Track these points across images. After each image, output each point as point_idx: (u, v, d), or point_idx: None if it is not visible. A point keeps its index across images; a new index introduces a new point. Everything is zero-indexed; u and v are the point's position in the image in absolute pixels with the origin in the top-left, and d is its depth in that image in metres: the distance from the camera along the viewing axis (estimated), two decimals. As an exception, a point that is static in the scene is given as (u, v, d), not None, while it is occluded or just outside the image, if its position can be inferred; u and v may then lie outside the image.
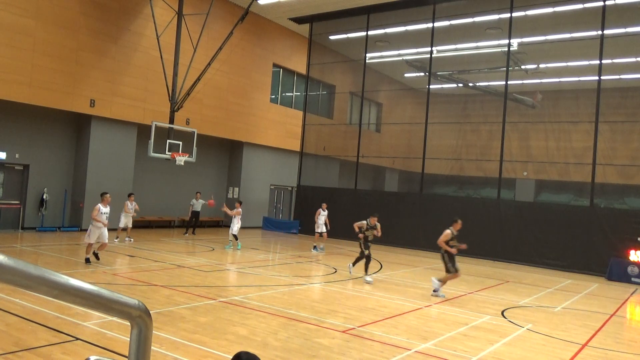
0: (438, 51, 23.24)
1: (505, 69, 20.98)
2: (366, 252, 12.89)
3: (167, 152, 18.15)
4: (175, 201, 22.77)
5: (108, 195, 12.79)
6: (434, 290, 11.40)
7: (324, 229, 18.62)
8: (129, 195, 17.06)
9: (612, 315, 10.90)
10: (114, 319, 6.89)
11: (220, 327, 7.50)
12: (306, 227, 24.54)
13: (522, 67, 23.30)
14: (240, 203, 17.76)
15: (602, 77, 18.79)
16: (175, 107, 19.22)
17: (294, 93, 28.33)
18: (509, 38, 20.54)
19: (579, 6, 19.48)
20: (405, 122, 25.83)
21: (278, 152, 26.98)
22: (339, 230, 20.67)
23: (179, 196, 22.84)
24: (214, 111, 23.00)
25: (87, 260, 12.11)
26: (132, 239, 16.88)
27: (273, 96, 26.67)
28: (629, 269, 16.53)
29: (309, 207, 25.01)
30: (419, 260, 18.08)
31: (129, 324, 1.88)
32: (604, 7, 18.74)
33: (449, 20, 22.32)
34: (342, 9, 23.40)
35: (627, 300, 13.38)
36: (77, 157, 19.26)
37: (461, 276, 12.10)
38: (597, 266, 17.58)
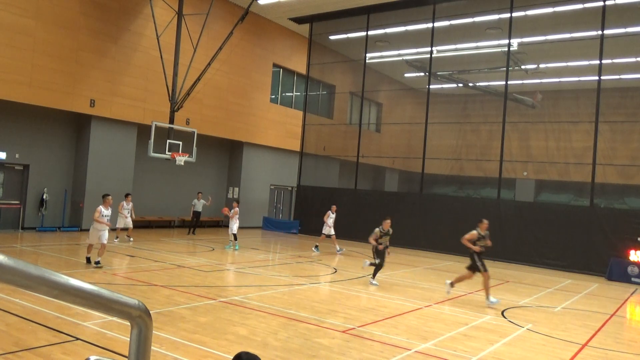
0: (438, 51, 23.24)
1: (505, 69, 20.98)
2: (377, 261, 12.58)
3: (167, 152, 18.15)
4: (175, 201, 22.77)
5: (110, 197, 12.57)
6: (450, 285, 11.52)
7: (333, 231, 18.67)
8: (126, 195, 17.00)
9: (612, 315, 10.90)
10: (114, 319, 6.89)
11: (220, 327, 7.50)
12: (306, 227, 24.55)
13: (522, 67, 23.30)
14: (238, 202, 17.79)
15: (602, 77, 18.79)
16: (175, 107, 19.22)
17: (294, 93, 28.34)
18: (509, 38, 20.53)
19: (579, 6, 19.48)
20: (405, 122, 25.83)
21: (278, 152, 26.98)
22: (339, 230, 20.62)
23: (179, 196, 22.85)
24: (214, 111, 23.00)
25: (88, 260, 12.11)
26: (131, 239, 16.88)
27: (273, 96, 26.67)
28: (629, 269, 16.53)
29: (309, 207, 25.02)
30: (419, 260, 18.08)
31: (129, 324, 1.88)
32: (604, 7, 18.73)
33: (449, 20, 22.32)
34: (342, 9, 23.40)
35: (627, 300, 13.38)
36: (77, 157, 19.26)
37: (490, 277, 11.42)
38: (597, 266, 17.58)
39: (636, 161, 21.43)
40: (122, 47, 19.37)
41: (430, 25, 22.34)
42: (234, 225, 17.05)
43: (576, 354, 7.64)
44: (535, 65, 23.95)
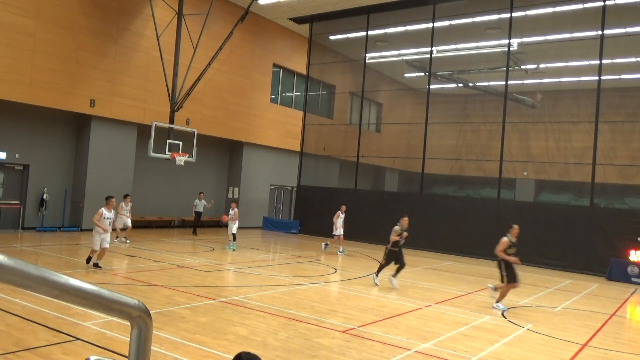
0: (438, 51, 23.24)
1: (505, 69, 20.98)
2: (383, 262, 12.54)
3: (167, 152, 18.14)
4: (175, 201, 22.78)
5: (113, 199, 12.33)
6: (493, 297, 10.85)
7: (342, 232, 18.69)
8: (125, 196, 16.84)
9: (612, 315, 10.90)
10: (114, 319, 6.90)
11: (220, 327, 7.50)
12: (306, 227, 24.55)
13: (522, 67, 23.30)
14: (237, 203, 17.76)
15: (602, 77, 18.79)
16: (175, 107, 19.22)
17: (294, 93, 28.34)
18: (509, 38, 20.53)
19: (579, 6, 19.48)
20: (405, 122, 25.82)
21: (278, 152, 26.98)
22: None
23: (179, 196, 22.85)
24: (214, 111, 23.00)
25: (88, 261, 12.09)
26: (128, 240, 16.58)
27: (273, 96, 26.67)
28: (629, 269, 16.53)
29: (309, 207, 25.02)
30: (418, 260, 18.08)
31: (129, 324, 1.88)
32: (604, 7, 18.73)
33: (449, 20, 22.32)
34: (342, 9, 23.40)
35: (627, 300, 13.37)
36: (77, 157, 19.26)
37: (514, 285, 10.73)
38: (597, 266, 17.58)
39: (636, 161, 21.42)
40: (122, 47, 19.37)
41: (430, 25, 22.34)
42: (234, 226, 17.04)
43: (576, 354, 7.64)
44: (535, 65, 23.95)
